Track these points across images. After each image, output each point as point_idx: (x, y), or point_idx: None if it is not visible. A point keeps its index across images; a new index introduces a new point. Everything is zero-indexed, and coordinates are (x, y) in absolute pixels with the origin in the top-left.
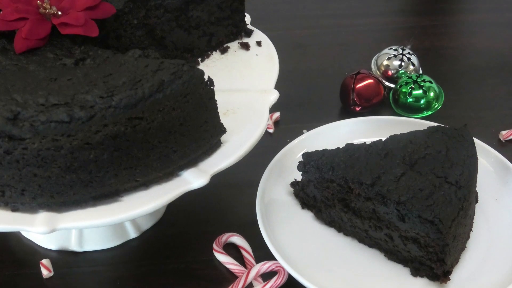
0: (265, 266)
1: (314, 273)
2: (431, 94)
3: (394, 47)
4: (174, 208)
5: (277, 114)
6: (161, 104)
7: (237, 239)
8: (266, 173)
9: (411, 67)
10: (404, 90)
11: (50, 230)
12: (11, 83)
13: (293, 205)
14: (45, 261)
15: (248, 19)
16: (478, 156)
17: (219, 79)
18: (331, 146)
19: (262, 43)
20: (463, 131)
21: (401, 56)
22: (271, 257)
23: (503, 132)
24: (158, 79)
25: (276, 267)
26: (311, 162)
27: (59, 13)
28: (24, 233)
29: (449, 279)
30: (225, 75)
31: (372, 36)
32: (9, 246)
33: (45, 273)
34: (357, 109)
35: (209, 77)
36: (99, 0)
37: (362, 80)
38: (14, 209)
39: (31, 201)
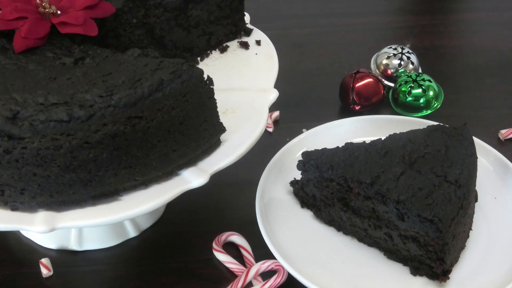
0: (264, 265)
1: (314, 272)
2: (431, 93)
3: (393, 46)
4: (174, 207)
5: (276, 113)
6: (161, 103)
7: (237, 238)
8: (265, 172)
9: (411, 66)
10: (403, 89)
11: (50, 229)
12: (10, 82)
13: (292, 204)
14: (44, 260)
15: (247, 18)
16: (477, 155)
17: (219, 78)
18: (330, 145)
19: (262, 42)
20: (463, 130)
21: (400, 55)
22: (271, 256)
23: (503, 131)
24: (157, 78)
25: (275, 266)
26: (311, 161)
27: (59, 12)
28: (23, 232)
29: (448, 278)
30: (224, 74)
31: (371, 35)
32: (8, 245)
33: (44, 272)
34: (357, 108)
35: (208, 76)
36: None
37: (362, 79)
38: (14, 208)
39: (31, 200)
